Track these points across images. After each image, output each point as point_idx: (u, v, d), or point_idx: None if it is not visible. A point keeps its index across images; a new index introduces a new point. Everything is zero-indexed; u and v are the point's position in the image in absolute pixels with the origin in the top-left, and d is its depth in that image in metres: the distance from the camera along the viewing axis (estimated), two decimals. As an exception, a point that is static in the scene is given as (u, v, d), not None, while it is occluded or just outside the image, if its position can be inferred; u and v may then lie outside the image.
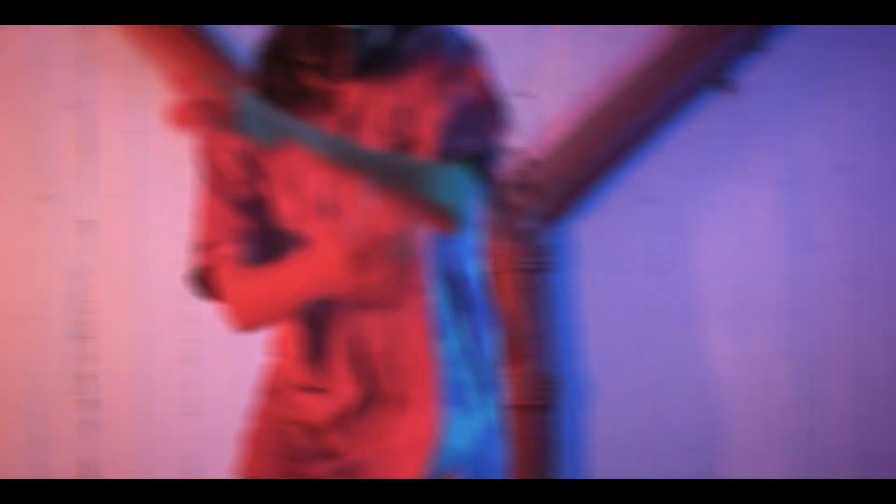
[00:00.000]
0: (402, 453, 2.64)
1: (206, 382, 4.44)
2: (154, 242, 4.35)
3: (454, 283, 2.66)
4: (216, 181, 2.62)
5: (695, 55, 4.70)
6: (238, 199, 2.63)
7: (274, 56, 2.68)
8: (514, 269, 4.58)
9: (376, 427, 2.64)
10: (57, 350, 4.37)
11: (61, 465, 4.34)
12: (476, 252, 2.70)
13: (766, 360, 4.83)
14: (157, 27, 4.30)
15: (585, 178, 4.67)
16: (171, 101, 2.26)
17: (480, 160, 2.61)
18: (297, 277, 2.54)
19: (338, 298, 2.58)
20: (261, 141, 2.34)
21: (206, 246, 2.63)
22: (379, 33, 2.63)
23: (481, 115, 2.67)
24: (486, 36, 4.44)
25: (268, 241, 2.65)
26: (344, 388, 2.62)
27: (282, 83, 2.65)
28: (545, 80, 4.72)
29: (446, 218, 2.52)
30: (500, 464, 2.74)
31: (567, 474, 4.67)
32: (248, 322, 2.62)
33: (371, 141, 2.59)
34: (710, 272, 4.81)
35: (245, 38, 4.27)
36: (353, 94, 2.63)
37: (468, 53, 2.69)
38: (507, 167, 4.60)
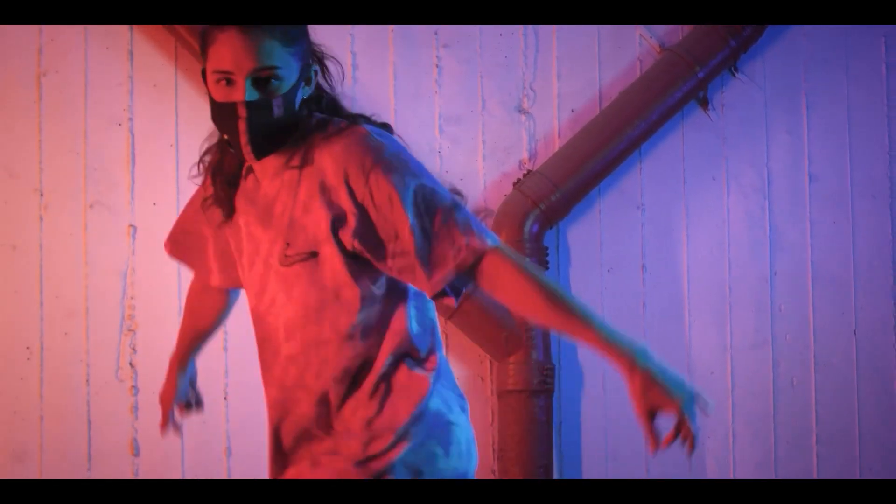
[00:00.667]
0: None
1: (233, 370, 4.41)
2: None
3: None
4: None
5: (678, 77, 4.74)
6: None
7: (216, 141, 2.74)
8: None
9: None
10: (107, 341, 4.36)
11: (113, 444, 4.34)
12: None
13: (743, 350, 4.91)
14: (192, 51, 4.30)
15: (580, 187, 4.69)
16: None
17: None
18: None
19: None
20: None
21: None
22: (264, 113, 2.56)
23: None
24: (490, 59, 4.68)
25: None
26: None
27: (217, 167, 2.73)
28: (544, 98, 4.76)
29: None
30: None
31: (561, 450, 4.68)
32: None
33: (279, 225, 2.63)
34: (692, 271, 4.86)
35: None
36: (266, 182, 2.67)
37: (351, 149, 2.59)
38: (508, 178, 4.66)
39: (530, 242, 4.62)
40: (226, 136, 2.61)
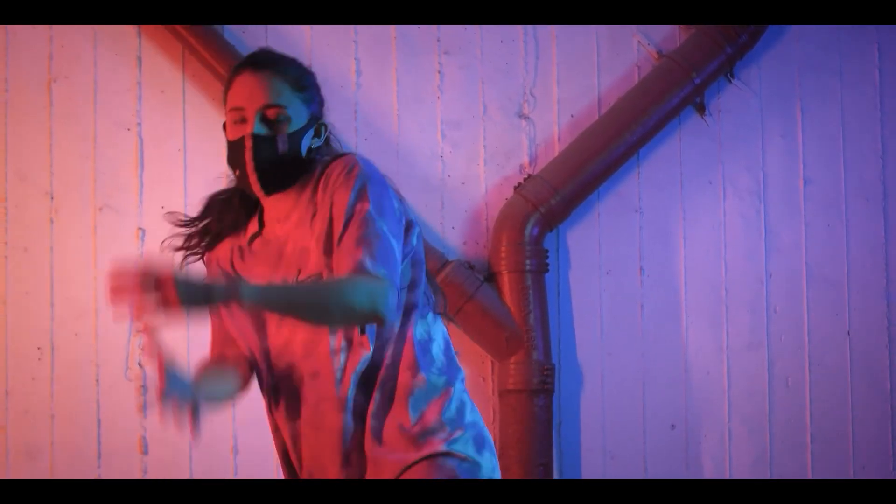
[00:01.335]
0: None
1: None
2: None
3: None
4: None
5: (675, 83, 4.73)
6: None
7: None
8: (515, 271, 4.58)
9: None
10: (117, 342, 4.36)
11: (124, 442, 4.34)
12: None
13: (740, 351, 4.89)
14: (199, 56, 4.32)
15: (579, 191, 4.68)
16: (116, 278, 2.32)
17: None
18: None
19: None
20: (197, 307, 2.40)
21: None
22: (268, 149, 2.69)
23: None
24: (490, 65, 4.71)
25: None
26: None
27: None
28: (543, 104, 4.76)
29: (365, 318, 2.57)
30: None
31: (561, 449, 4.66)
32: None
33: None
34: (689, 273, 4.85)
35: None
36: (277, 227, 2.77)
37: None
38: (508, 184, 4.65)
39: (531, 245, 4.62)
40: (237, 173, 2.73)
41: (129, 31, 4.42)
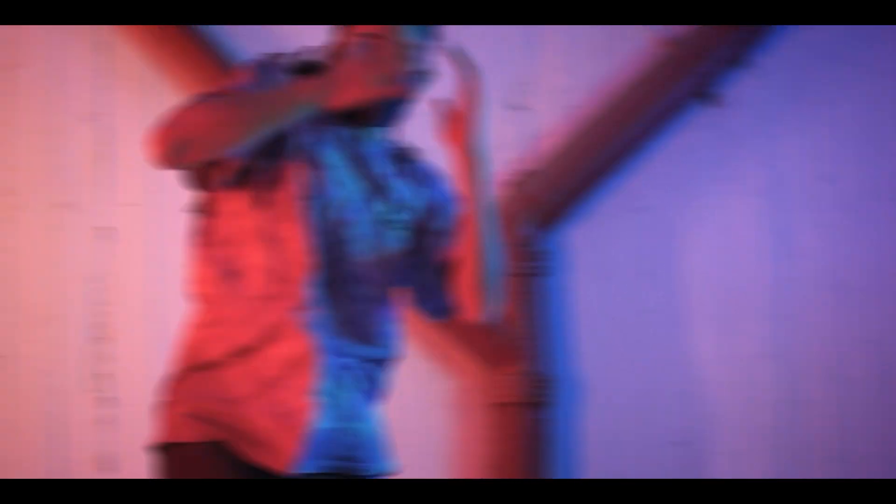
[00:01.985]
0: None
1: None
2: (168, 248, 4.35)
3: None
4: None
5: (682, 71, 4.74)
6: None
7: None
8: (510, 274, 4.55)
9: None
10: (76, 350, 4.38)
11: (80, 460, 4.36)
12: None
13: (750, 360, 4.85)
14: (167, 38, 4.37)
15: (578, 187, 4.71)
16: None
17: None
18: (290, 92, 2.53)
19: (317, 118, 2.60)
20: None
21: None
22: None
23: None
24: (484, 53, 4.56)
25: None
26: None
27: None
28: (540, 94, 4.75)
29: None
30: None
31: (559, 468, 4.68)
32: (183, 136, 2.50)
33: None
34: (696, 277, 4.83)
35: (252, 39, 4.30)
36: None
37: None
38: (505, 177, 4.64)
39: (525, 246, 4.64)
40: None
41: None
